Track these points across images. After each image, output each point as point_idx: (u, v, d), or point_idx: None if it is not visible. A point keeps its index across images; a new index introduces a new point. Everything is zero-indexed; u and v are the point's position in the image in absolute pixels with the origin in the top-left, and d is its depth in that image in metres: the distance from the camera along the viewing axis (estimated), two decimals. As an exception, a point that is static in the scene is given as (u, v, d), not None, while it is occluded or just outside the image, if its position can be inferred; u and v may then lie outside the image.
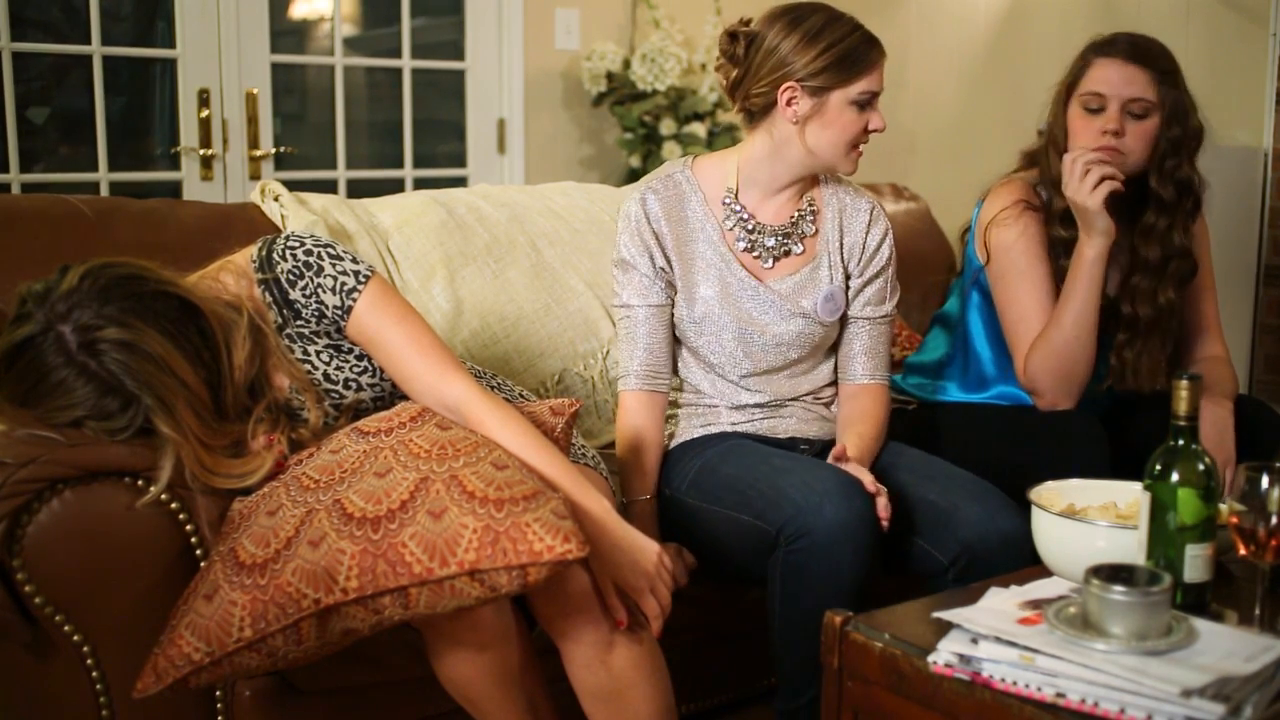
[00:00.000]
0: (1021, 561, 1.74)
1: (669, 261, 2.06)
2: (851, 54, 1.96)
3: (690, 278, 2.07)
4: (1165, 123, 2.10)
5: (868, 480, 1.83)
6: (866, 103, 2.00)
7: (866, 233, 2.10)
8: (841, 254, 2.10)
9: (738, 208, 2.07)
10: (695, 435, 2.09)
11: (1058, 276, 2.15)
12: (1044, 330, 2.09)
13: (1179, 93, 2.11)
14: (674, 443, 2.10)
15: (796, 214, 2.09)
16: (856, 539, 1.76)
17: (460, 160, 3.85)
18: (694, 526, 1.98)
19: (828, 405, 2.14)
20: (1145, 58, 2.10)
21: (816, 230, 2.10)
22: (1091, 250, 2.04)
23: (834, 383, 2.15)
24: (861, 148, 2.05)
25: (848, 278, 2.11)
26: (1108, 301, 2.17)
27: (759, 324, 2.05)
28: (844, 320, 2.12)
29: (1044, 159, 2.19)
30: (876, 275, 2.11)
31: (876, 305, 2.11)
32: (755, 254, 2.07)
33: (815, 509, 1.77)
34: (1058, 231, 2.14)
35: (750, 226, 2.07)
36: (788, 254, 2.09)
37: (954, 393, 2.31)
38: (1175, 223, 2.15)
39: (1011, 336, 2.15)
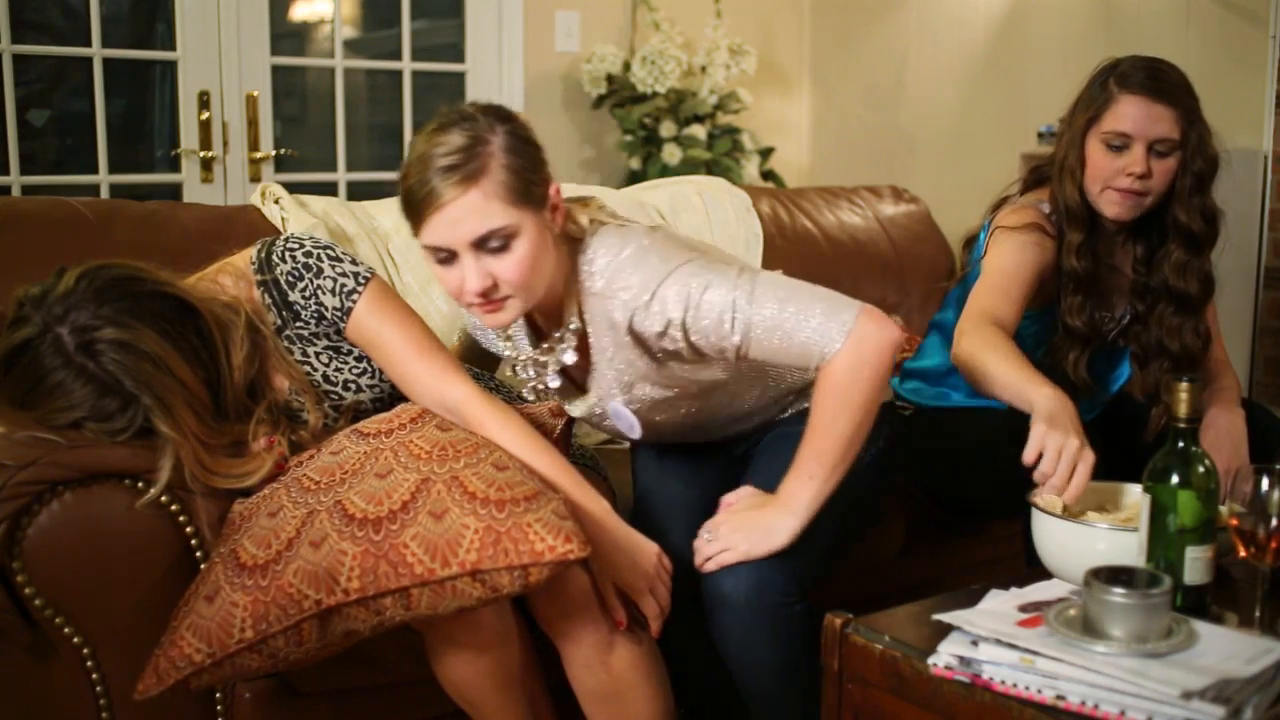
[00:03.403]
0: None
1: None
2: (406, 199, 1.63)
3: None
4: (1189, 158, 2.06)
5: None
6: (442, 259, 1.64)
7: (630, 339, 1.71)
8: (606, 381, 1.78)
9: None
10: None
11: (1055, 297, 2.14)
12: (1000, 342, 1.94)
13: (1200, 125, 2.07)
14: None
15: (546, 344, 1.79)
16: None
17: (460, 163, 3.85)
18: None
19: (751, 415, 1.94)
20: (1171, 95, 2.04)
21: (582, 363, 1.78)
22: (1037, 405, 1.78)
23: (764, 393, 1.90)
24: (475, 301, 1.65)
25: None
26: (1114, 323, 2.18)
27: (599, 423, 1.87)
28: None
29: (1057, 185, 2.13)
30: (696, 338, 1.67)
31: (723, 342, 1.66)
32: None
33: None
34: (1071, 263, 2.09)
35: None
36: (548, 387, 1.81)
37: (957, 399, 2.31)
38: (1205, 254, 2.13)
39: (969, 305, 2.09)
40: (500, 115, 1.63)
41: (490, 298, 1.63)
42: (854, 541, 1.91)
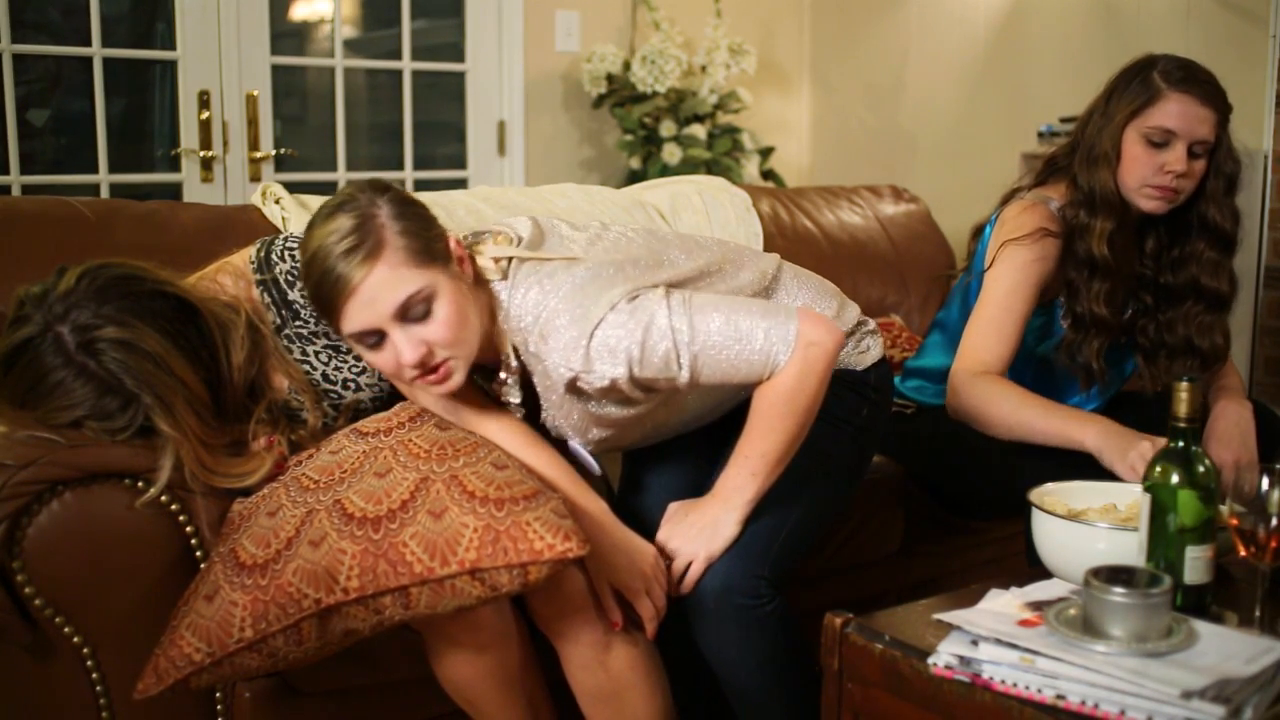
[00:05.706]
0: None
1: None
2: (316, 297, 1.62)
3: None
4: (1221, 160, 2.09)
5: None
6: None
7: (574, 395, 1.70)
8: (558, 423, 1.76)
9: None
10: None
11: (1057, 295, 2.14)
12: (1005, 391, 2.03)
13: (1229, 130, 2.10)
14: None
15: (496, 384, 1.76)
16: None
17: (460, 162, 3.85)
18: None
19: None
20: (1214, 99, 2.06)
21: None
22: (1089, 441, 1.93)
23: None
24: (416, 375, 1.63)
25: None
26: (1125, 321, 2.18)
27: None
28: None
29: (1086, 173, 2.11)
30: (645, 380, 1.65)
31: (673, 380, 1.65)
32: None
33: None
34: (1102, 250, 2.07)
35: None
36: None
37: None
38: (1234, 254, 2.16)
39: (963, 344, 2.12)
40: (377, 187, 1.62)
41: (429, 365, 1.60)
42: (826, 524, 1.89)
